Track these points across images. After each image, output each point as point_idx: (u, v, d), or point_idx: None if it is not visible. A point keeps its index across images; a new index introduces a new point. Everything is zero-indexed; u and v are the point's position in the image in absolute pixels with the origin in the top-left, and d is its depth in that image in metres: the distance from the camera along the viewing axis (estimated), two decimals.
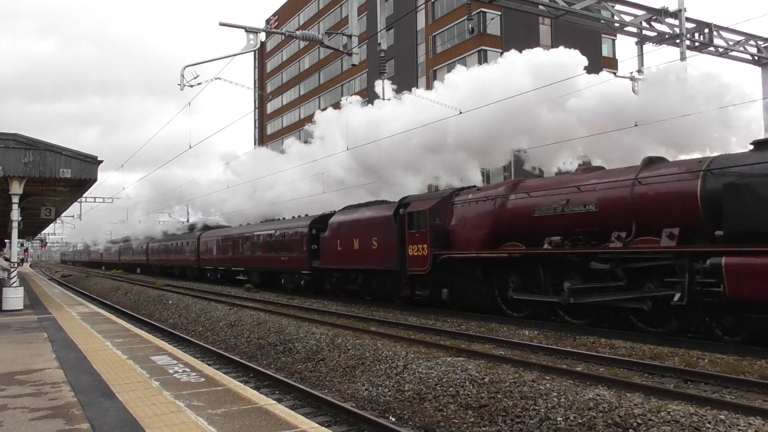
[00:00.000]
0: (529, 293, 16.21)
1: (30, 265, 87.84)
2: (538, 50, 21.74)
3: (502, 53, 51.25)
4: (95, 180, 17.75)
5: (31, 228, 41.41)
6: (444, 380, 9.96)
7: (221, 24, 14.21)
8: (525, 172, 45.88)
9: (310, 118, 79.31)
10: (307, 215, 31.40)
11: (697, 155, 14.57)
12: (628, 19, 17.46)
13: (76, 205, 40.51)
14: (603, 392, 8.57)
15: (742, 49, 19.83)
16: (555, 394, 8.64)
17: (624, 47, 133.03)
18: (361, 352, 12.41)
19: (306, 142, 50.63)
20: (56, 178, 17.02)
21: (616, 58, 58.64)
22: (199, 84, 15.60)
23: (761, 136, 14.74)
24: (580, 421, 7.79)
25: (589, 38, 52.99)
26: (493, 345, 13.32)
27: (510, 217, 16.59)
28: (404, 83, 56.63)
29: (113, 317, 17.28)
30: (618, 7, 17.41)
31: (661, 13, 17.44)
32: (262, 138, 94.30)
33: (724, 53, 19.31)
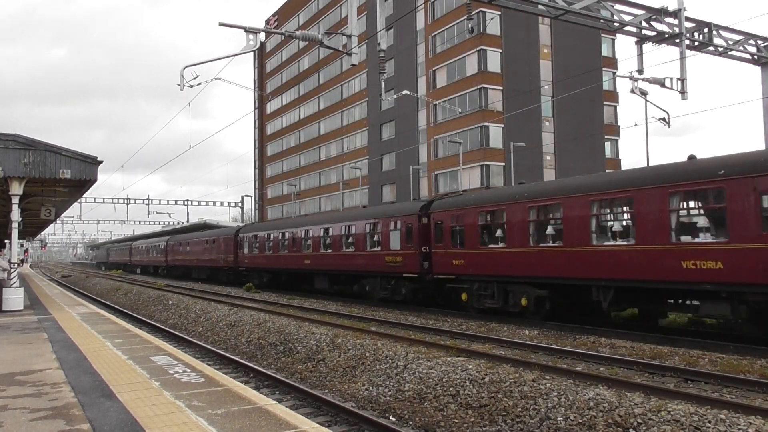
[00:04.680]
0: None
1: (30, 266, 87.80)
2: None
3: (501, 53, 51.53)
4: (95, 180, 17.73)
5: (31, 228, 41.38)
6: (444, 380, 9.96)
7: (221, 24, 14.23)
8: (524, 172, 45.98)
9: (310, 118, 79.63)
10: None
11: None
12: (627, 18, 17.44)
13: (76, 205, 40.54)
14: (603, 392, 8.57)
15: (741, 48, 19.83)
16: (555, 393, 8.65)
17: (623, 47, 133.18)
18: (361, 352, 12.42)
19: None
20: (56, 178, 17.00)
21: (616, 57, 58.69)
22: (199, 84, 15.62)
23: None
24: (580, 421, 7.80)
25: (589, 38, 53.05)
26: (493, 345, 13.33)
27: None
28: (404, 83, 56.68)
29: (113, 318, 17.27)
30: (617, 6, 17.39)
31: (660, 13, 17.42)
32: (262, 138, 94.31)
33: (724, 53, 19.30)
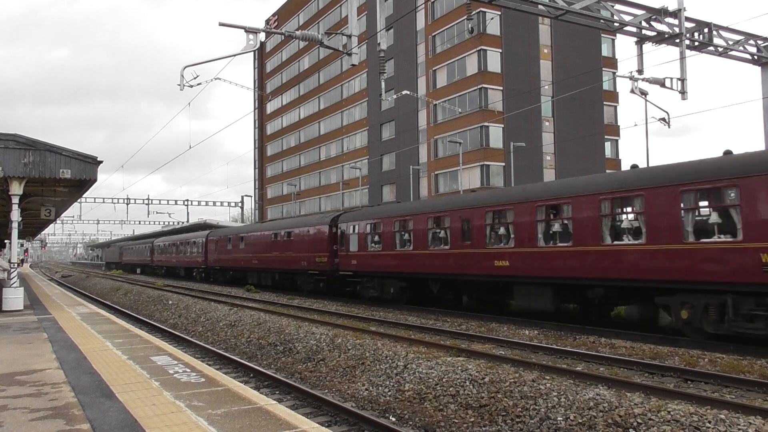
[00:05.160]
0: None
1: (30, 266, 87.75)
2: None
3: (501, 53, 51.55)
4: (95, 180, 17.74)
5: (31, 228, 41.40)
6: (444, 380, 9.96)
7: (221, 24, 14.24)
8: (523, 171, 45.97)
9: (310, 118, 79.61)
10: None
11: None
12: (627, 18, 17.46)
13: (76, 205, 40.50)
14: (603, 392, 8.57)
15: (741, 48, 19.84)
16: (555, 393, 8.64)
17: (624, 47, 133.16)
18: (361, 352, 12.41)
19: None
20: (56, 178, 17.02)
21: (616, 57, 58.70)
22: (199, 84, 15.63)
23: None
24: (580, 421, 7.79)
25: (589, 38, 53.07)
26: (493, 345, 13.33)
27: None
28: (404, 83, 56.69)
29: (113, 317, 17.27)
30: (617, 6, 17.41)
31: (660, 13, 17.44)
32: (262, 138, 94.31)
33: (724, 53, 19.31)
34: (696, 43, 18.44)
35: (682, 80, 17.91)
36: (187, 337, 17.57)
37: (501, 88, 51.07)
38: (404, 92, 46.23)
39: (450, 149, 51.56)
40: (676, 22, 17.51)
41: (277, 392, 10.67)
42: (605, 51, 57.42)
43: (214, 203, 75.45)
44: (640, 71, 18.08)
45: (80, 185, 19.04)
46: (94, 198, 67.60)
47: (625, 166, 61.25)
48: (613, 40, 57.66)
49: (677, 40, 17.55)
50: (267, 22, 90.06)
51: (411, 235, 21.44)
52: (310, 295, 28.23)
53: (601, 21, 17.38)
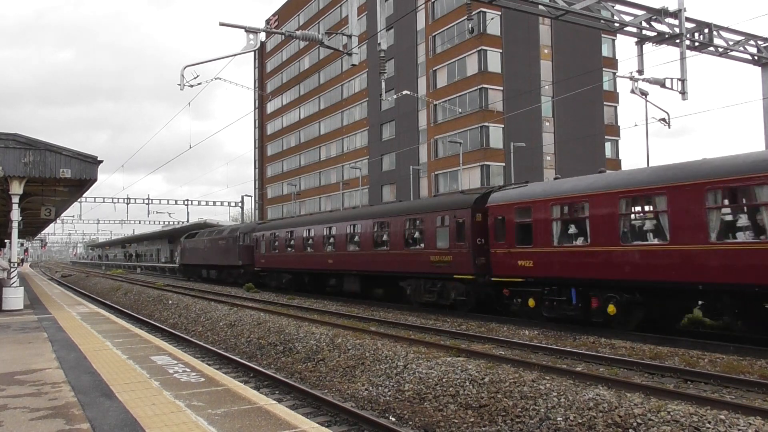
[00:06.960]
0: None
1: (30, 265, 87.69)
2: None
3: (502, 53, 51.54)
4: (95, 180, 17.75)
5: (31, 228, 41.40)
6: (444, 380, 9.96)
7: (221, 24, 14.21)
8: (523, 171, 45.95)
9: (310, 118, 79.59)
10: None
11: None
12: (627, 19, 17.46)
13: (76, 204, 40.49)
14: (603, 392, 8.57)
15: (742, 49, 19.83)
16: (555, 393, 8.64)
17: (624, 47, 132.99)
18: (361, 352, 12.42)
19: None
20: (56, 178, 17.02)
21: (616, 58, 58.69)
22: (199, 84, 15.63)
23: None
24: (580, 421, 7.79)
25: (589, 38, 53.07)
26: (493, 345, 13.33)
27: None
28: (404, 83, 56.68)
29: (113, 317, 17.28)
30: (618, 7, 17.41)
31: (660, 13, 17.44)
32: (262, 138, 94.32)
33: (724, 53, 19.30)
34: (696, 44, 18.43)
35: (683, 80, 17.90)
36: (187, 337, 17.57)
37: (501, 88, 51.07)
38: (404, 92, 46.24)
39: (450, 149, 51.56)
40: (676, 22, 17.49)
41: (276, 392, 10.67)
42: (605, 51, 57.40)
43: (215, 203, 75.34)
44: (640, 71, 18.07)
45: (80, 185, 19.04)
46: (95, 198, 67.30)
47: (626, 166, 61.25)
48: (613, 40, 57.66)
49: (677, 41, 17.54)
50: (267, 22, 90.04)
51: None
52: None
53: (602, 21, 17.37)
